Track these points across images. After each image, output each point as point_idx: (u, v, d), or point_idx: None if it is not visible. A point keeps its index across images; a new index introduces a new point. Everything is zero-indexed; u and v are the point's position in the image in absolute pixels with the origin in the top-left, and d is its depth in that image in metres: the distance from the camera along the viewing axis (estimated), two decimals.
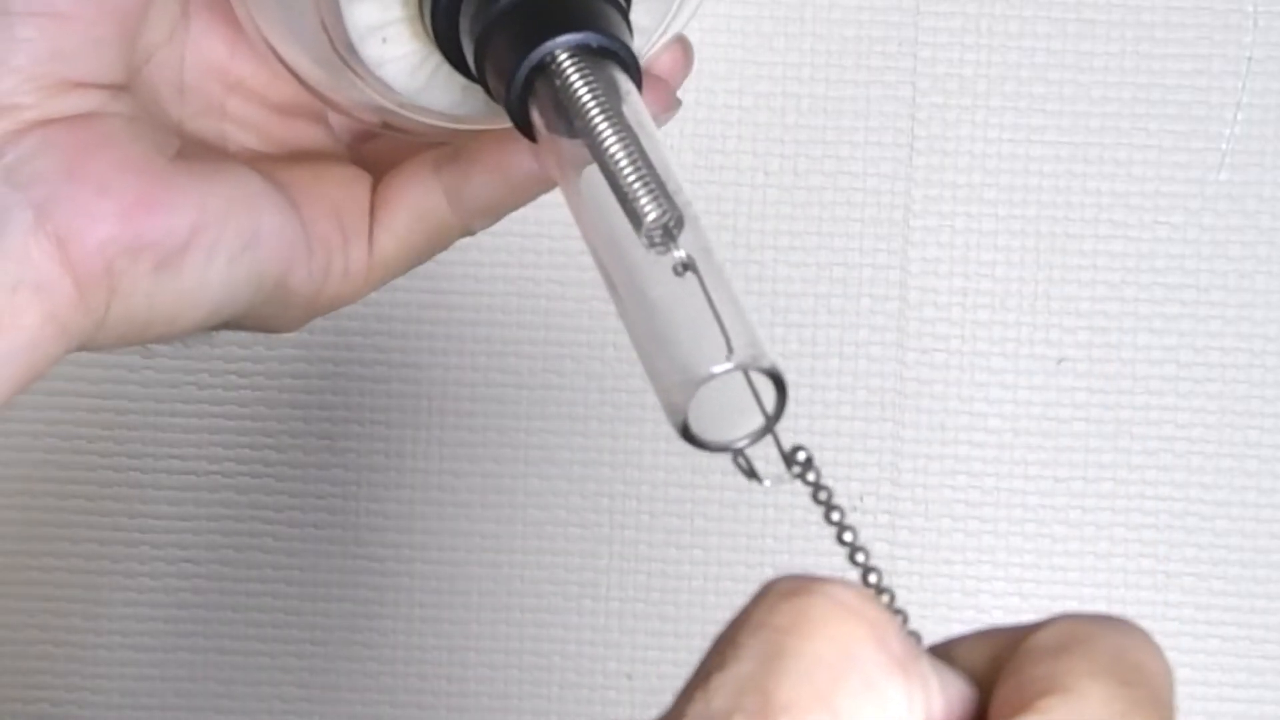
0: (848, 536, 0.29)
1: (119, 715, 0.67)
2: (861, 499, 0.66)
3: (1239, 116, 0.65)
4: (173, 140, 0.39)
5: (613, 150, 0.32)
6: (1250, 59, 0.65)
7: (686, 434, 0.30)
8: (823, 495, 0.30)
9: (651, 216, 0.32)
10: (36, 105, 0.36)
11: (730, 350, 0.30)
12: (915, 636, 0.29)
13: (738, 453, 0.30)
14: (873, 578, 0.29)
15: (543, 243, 0.66)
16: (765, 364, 0.30)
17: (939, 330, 0.66)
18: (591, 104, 0.33)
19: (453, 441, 0.66)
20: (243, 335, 0.66)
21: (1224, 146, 0.65)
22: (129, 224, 0.36)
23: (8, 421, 0.66)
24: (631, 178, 0.32)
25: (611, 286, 0.32)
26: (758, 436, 0.30)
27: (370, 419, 0.66)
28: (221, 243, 0.38)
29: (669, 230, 0.32)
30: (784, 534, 0.66)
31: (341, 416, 0.66)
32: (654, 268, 0.32)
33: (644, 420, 0.66)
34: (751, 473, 0.30)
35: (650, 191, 0.32)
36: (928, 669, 0.27)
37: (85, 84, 0.37)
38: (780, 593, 0.27)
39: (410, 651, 0.66)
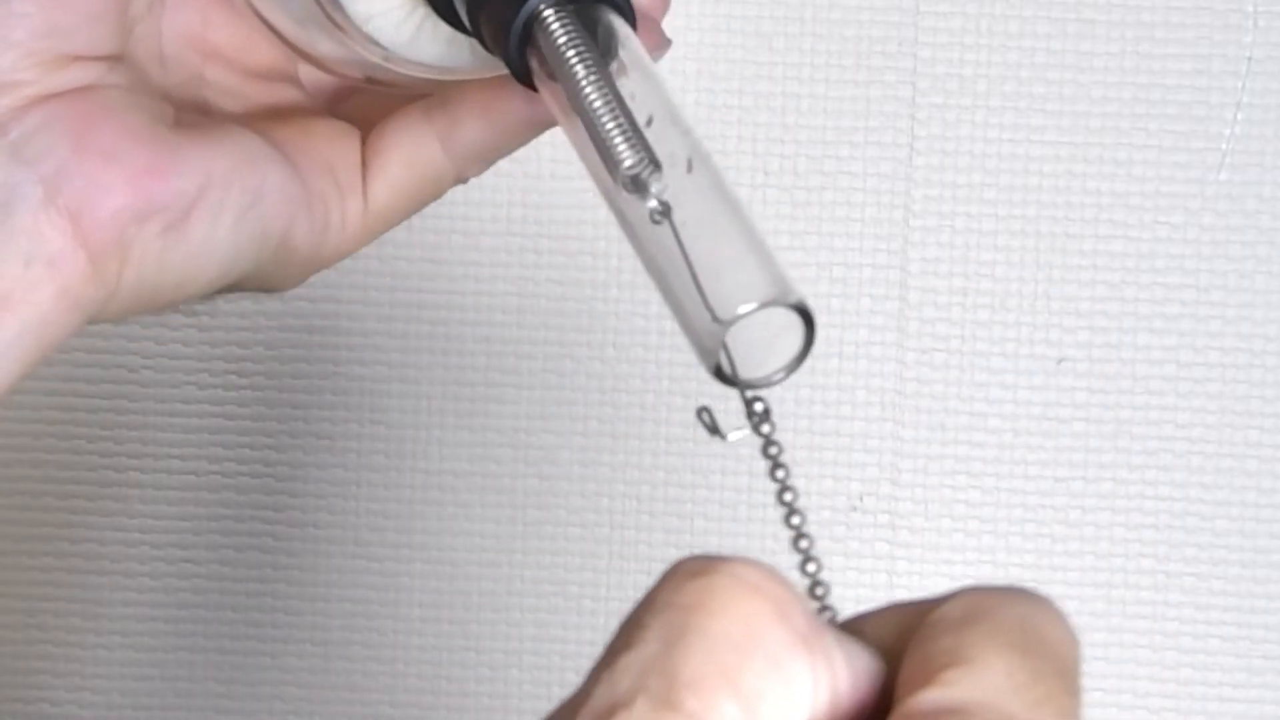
0: (788, 497, 0.30)
1: (119, 715, 0.67)
2: (861, 499, 0.66)
3: (1239, 116, 0.65)
4: (168, 109, 0.39)
5: (589, 94, 0.33)
6: (1250, 59, 0.65)
7: (719, 374, 0.30)
8: (773, 450, 0.30)
9: (628, 163, 0.32)
10: (37, 80, 0.36)
11: (710, 310, 0.30)
12: (831, 611, 0.29)
13: (705, 413, 0.30)
14: (804, 543, 0.29)
15: (543, 243, 0.66)
16: (793, 299, 0.30)
17: (939, 330, 0.66)
18: (573, 55, 0.33)
19: (453, 441, 0.66)
20: (244, 336, 0.66)
21: (1224, 146, 0.65)
22: (140, 191, 0.36)
23: (8, 422, 0.66)
24: (609, 125, 0.32)
25: (630, 234, 0.32)
26: (791, 369, 0.30)
27: (370, 419, 0.66)
28: (227, 203, 0.38)
29: (640, 180, 0.32)
30: (784, 534, 0.66)
31: (341, 416, 0.66)
32: (648, 216, 0.32)
33: (644, 420, 0.66)
34: (714, 429, 0.30)
35: (626, 138, 0.32)
36: (833, 644, 0.27)
37: (84, 57, 0.37)
38: (685, 573, 0.27)
39: (410, 651, 0.66)
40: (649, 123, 0.33)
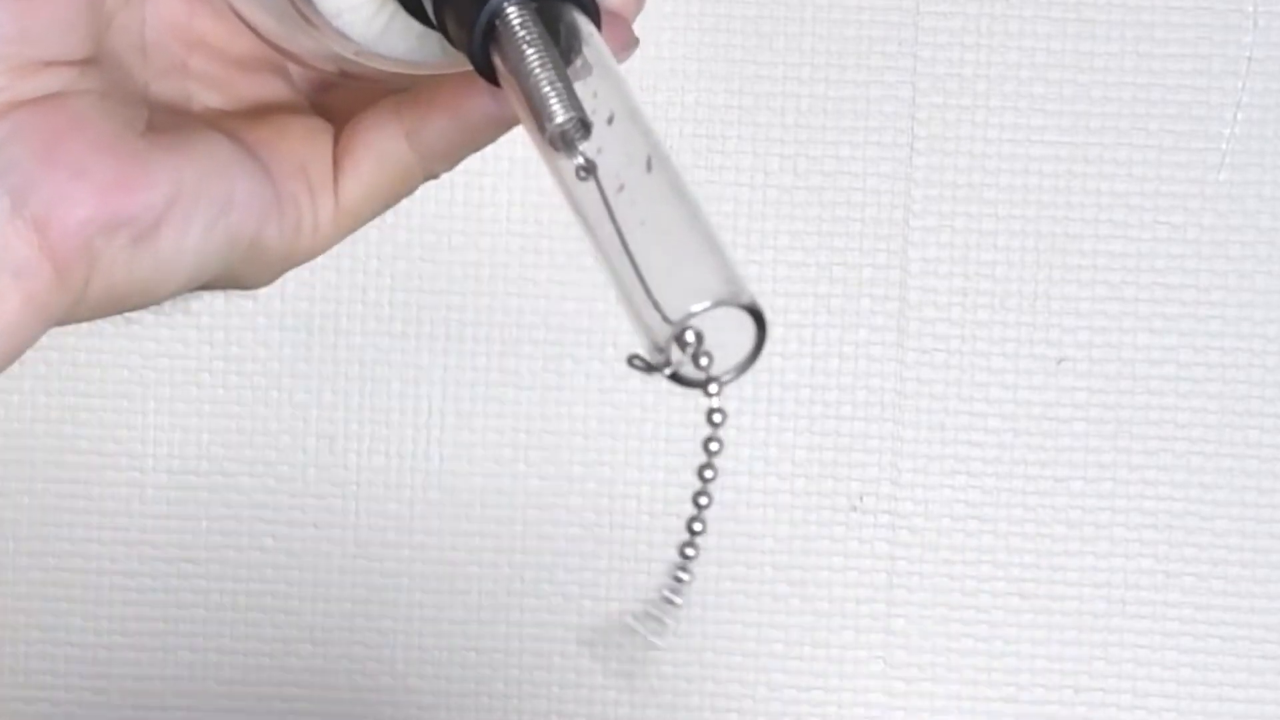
0: (717, 418, 0.30)
1: (119, 715, 0.67)
2: (861, 499, 0.66)
3: (1239, 116, 0.65)
4: (141, 112, 0.39)
5: (528, 55, 0.33)
6: (1250, 59, 0.65)
7: (673, 376, 0.31)
8: (702, 361, 0.30)
9: (559, 119, 0.32)
10: (7, 87, 0.36)
11: (659, 308, 0.30)
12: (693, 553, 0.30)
13: (636, 359, 0.31)
14: (709, 474, 0.30)
15: (543, 243, 0.66)
16: (745, 300, 0.30)
17: (939, 330, 0.66)
18: (531, 51, 0.34)
19: (453, 441, 0.66)
20: (243, 337, 0.66)
21: (1224, 146, 0.65)
22: (107, 204, 0.36)
23: (8, 421, 0.66)
24: (542, 82, 0.33)
25: (586, 229, 0.33)
26: (741, 370, 0.31)
27: (370, 419, 0.66)
28: (196, 213, 0.38)
29: (568, 136, 0.32)
30: (784, 534, 0.66)
31: (341, 416, 0.66)
32: (594, 194, 0.32)
33: (644, 420, 0.66)
34: (649, 367, 0.31)
35: (559, 96, 0.33)
36: None
37: (55, 63, 0.37)
38: None
39: (410, 651, 0.66)
40: (610, 120, 0.33)
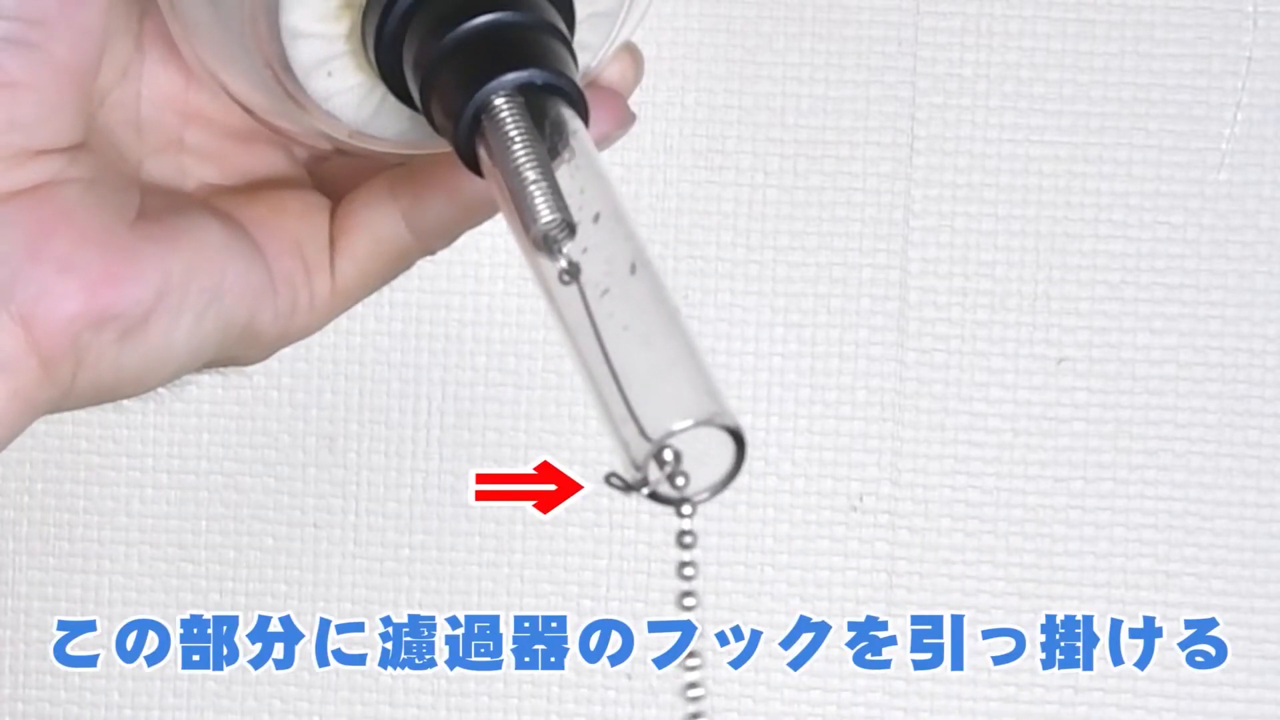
0: (688, 539, 0.30)
1: (119, 715, 0.67)
2: (861, 499, 0.66)
3: (1239, 116, 0.65)
4: (133, 196, 0.38)
5: (515, 152, 0.32)
6: (1250, 59, 0.65)
7: (653, 495, 0.30)
8: (678, 480, 0.30)
9: (544, 219, 0.32)
10: None
11: (639, 425, 0.30)
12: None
13: (614, 478, 0.31)
14: (689, 570, 0.30)
15: None
16: (727, 421, 0.30)
17: (939, 330, 0.66)
18: (518, 146, 0.33)
19: (453, 441, 0.66)
20: None
21: (1224, 146, 0.65)
22: (94, 300, 0.36)
23: None
24: (527, 179, 0.32)
25: (565, 334, 0.32)
26: (716, 490, 0.31)
27: (370, 418, 0.66)
28: (186, 304, 0.37)
29: (551, 238, 0.32)
30: (784, 534, 0.66)
31: (341, 416, 0.66)
32: (578, 304, 0.32)
33: None
34: (627, 486, 0.31)
35: (544, 193, 0.32)
36: None
37: (45, 151, 0.36)
38: None
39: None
40: (596, 219, 0.33)
